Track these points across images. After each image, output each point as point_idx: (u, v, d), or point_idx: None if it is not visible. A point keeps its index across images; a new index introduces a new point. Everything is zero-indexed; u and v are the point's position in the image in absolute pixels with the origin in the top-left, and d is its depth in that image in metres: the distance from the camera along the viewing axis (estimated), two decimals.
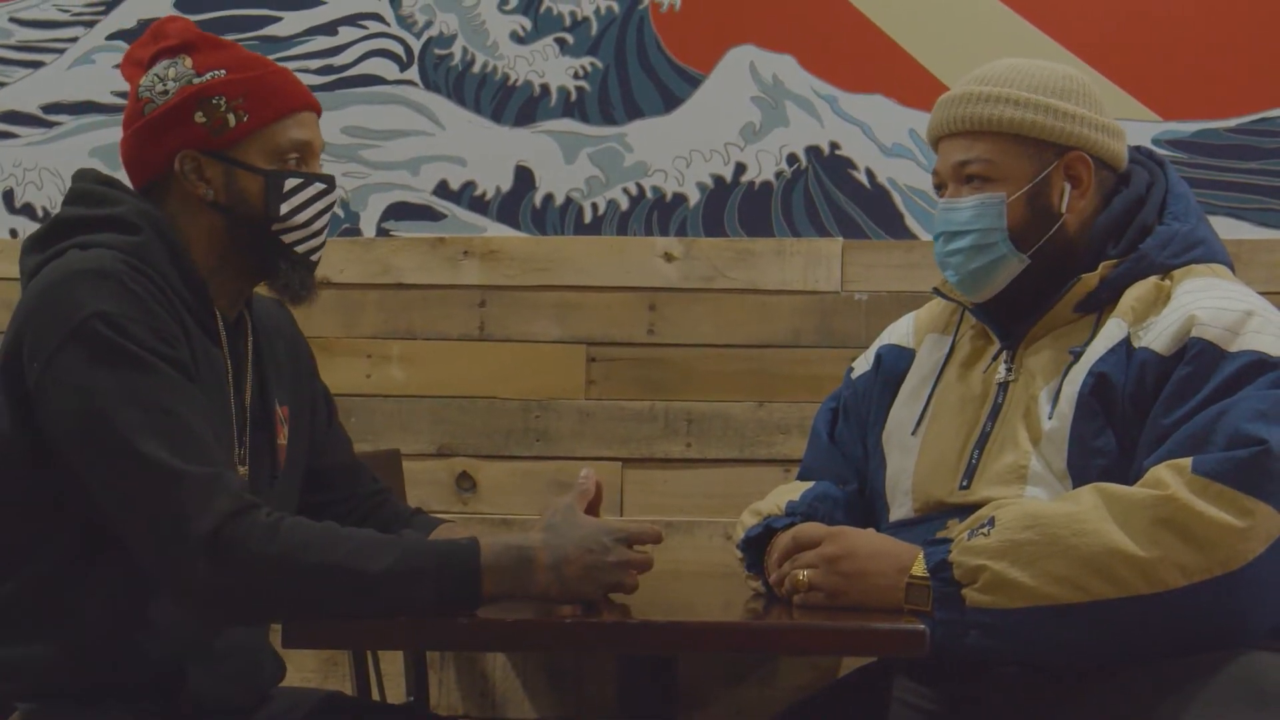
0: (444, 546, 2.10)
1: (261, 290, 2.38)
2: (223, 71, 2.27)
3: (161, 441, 2.06)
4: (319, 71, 3.29)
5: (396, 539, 2.10)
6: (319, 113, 2.36)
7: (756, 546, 2.41)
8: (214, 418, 2.18)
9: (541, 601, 2.13)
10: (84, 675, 2.16)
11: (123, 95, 2.74)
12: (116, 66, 2.50)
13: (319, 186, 2.31)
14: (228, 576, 2.03)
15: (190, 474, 2.05)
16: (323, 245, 2.34)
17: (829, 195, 3.21)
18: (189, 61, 2.28)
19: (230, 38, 3.12)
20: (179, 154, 2.26)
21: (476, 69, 3.28)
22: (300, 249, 2.30)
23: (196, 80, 2.27)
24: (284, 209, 2.28)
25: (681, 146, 3.24)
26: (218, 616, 2.16)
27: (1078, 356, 2.29)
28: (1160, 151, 2.56)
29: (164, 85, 2.27)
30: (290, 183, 2.28)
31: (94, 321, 2.10)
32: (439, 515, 2.85)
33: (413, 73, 3.29)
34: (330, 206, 2.33)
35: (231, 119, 2.26)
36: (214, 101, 2.26)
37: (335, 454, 2.51)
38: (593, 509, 2.20)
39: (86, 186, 2.29)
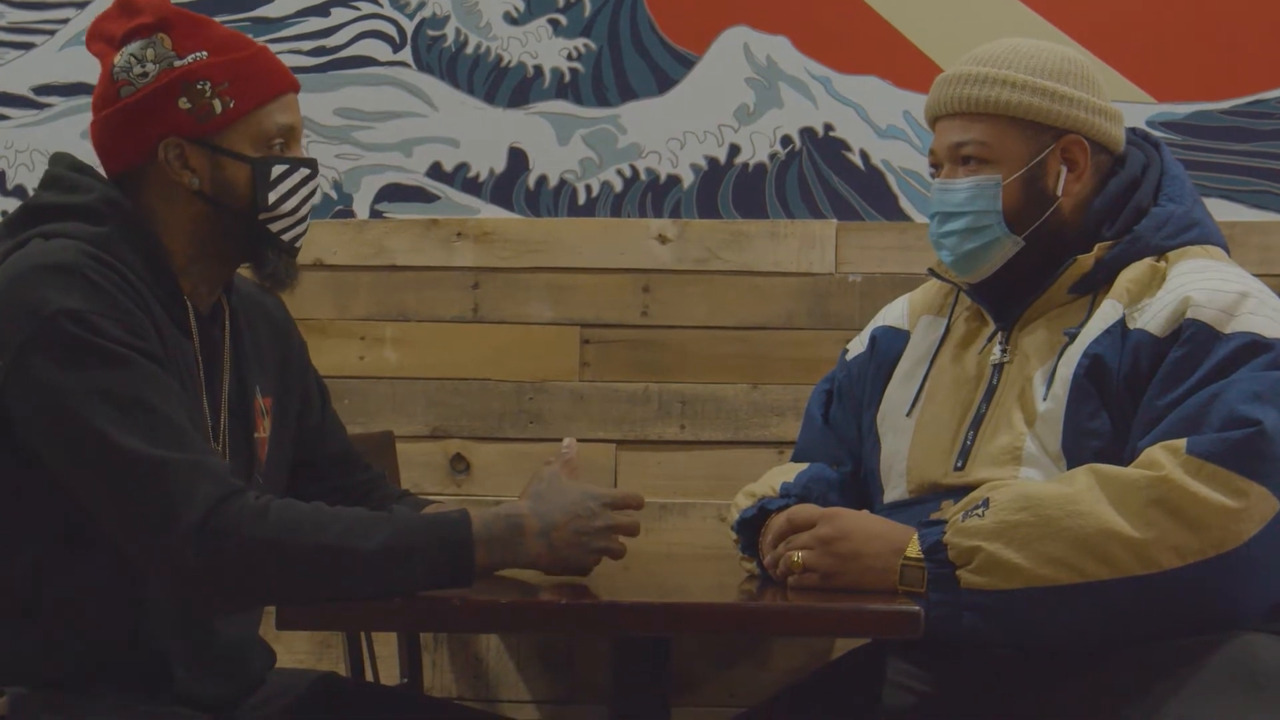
0: (435, 520, 2.10)
1: (247, 273, 2.33)
2: (204, 53, 2.20)
3: (139, 434, 2.03)
4: (311, 53, 3.28)
5: (387, 516, 2.10)
6: (299, 91, 2.29)
7: (751, 528, 2.41)
8: (189, 406, 2.15)
9: (532, 569, 2.14)
10: (71, 667, 2.14)
11: None
12: None
13: (304, 172, 2.25)
14: (220, 562, 2.02)
15: (173, 462, 2.03)
16: (306, 230, 2.29)
17: (823, 177, 3.21)
18: (167, 41, 2.20)
19: (222, 19, 3.11)
20: (163, 141, 2.20)
21: (469, 50, 3.27)
22: (286, 236, 2.25)
23: (178, 63, 2.19)
24: (272, 197, 2.22)
25: (675, 128, 3.23)
26: (212, 603, 2.14)
27: (1073, 338, 2.29)
28: (1155, 133, 2.56)
29: (143, 67, 2.20)
30: (277, 170, 2.22)
31: (59, 319, 2.05)
32: (432, 497, 2.86)
33: (405, 54, 3.28)
34: (315, 191, 2.28)
35: (218, 105, 2.19)
36: (199, 86, 2.19)
37: (329, 443, 2.49)
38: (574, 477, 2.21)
39: (59, 172, 2.24)
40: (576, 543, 2.12)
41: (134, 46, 2.22)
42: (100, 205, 2.18)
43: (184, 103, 2.19)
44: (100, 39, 2.26)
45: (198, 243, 2.23)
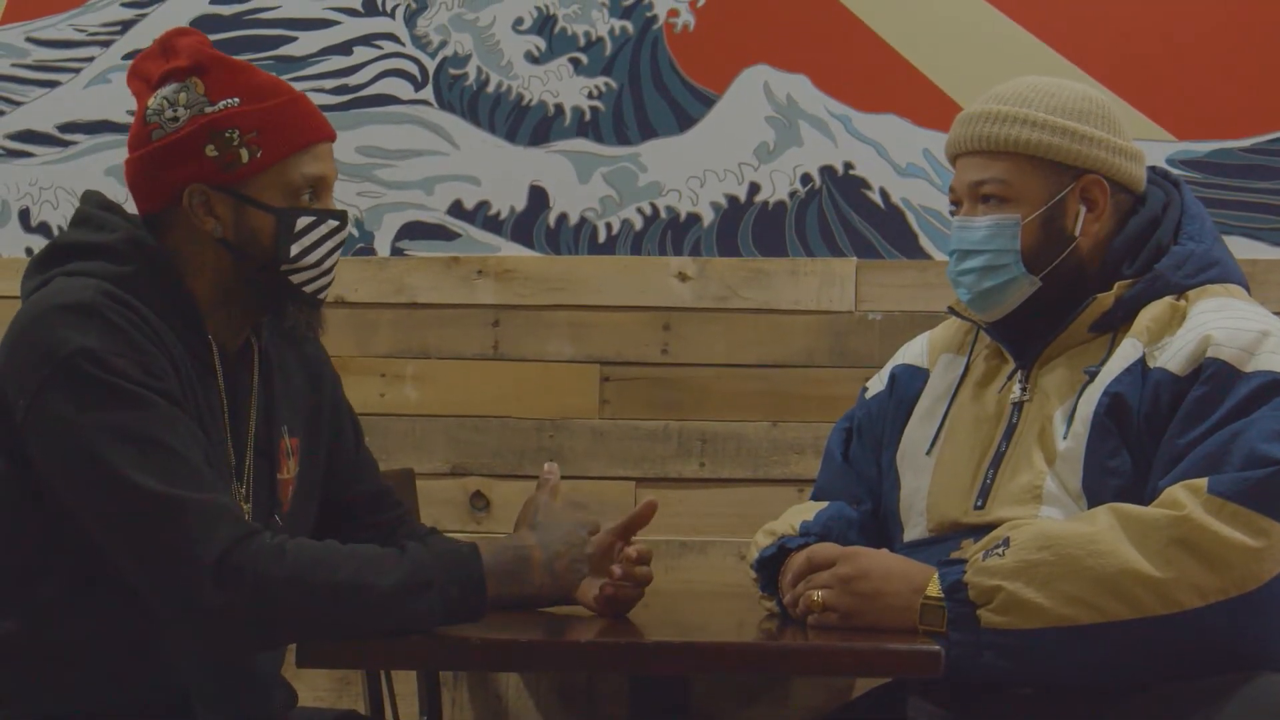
0: (446, 554, 2.11)
1: None
2: (236, 100, 2.18)
3: (156, 474, 2.03)
4: (334, 91, 3.30)
5: (399, 553, 2.09)
6: (334, 140, 2.27)
7: (771, 567, 2.40)
8: (207, 447, 2.14)
9: (535, 601, 2.18)
10: (90, 703, 2.14)
11: None
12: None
13: (331, 224, 2.23)
14: (237, 602, 2.02)
15: (190, 502, 2.03)
16: (331, 283, 2.27)
17: (843, 215, 3.21)
18: (201, 87, 2.19)
19: (246, 58, 3.12)
20: (188, 188, 2.19)
21: (491, 89, 3.28)
22: (309, 289, 2.24)
23: (209, 109, 2.18)
24: (295, 250, 2.20)
25: (695, 166, 3.24)
26: (229, 643, 2.14)
27: (1093, 376, 2.29)
28: (1175, 171, 2.56)
29: (174, 111, 2.19)
30: (302, 222, 2.20)
31: (77, 359, 2.06)
32: (453, 534, 2.85)
33: (427, 92, 3.29)
34: (341, 243, 2.26)
35: (244, 154, 2.17)
36: (227, 135, 2.17)
37: (361, 481, 2.47)
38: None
39: (88, 211, 2.25)
40: (573, 569, 2.19)
41: (168, 90, 2.21)
42: (124, 245, 2.19)
43: (211, 150, 2.18)
44: (138, 77, 2.26)
45: (221, 289, 2.23)
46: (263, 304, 2.25)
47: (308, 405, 2.39)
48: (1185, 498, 2.10)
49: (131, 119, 2.27)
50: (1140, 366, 2.26)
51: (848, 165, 3.22)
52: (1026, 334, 2.39)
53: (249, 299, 2.24)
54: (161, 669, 2.17)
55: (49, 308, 2.11)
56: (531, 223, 3.27)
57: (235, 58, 2.28)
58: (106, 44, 3.33)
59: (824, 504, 2.51)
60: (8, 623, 2.14)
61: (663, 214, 3.24)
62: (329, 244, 2.24)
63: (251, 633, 2.08)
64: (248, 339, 2.30)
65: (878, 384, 2.61)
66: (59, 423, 2.06)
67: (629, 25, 3.26)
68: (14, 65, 3.35)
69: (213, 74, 2.21)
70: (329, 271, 2.26)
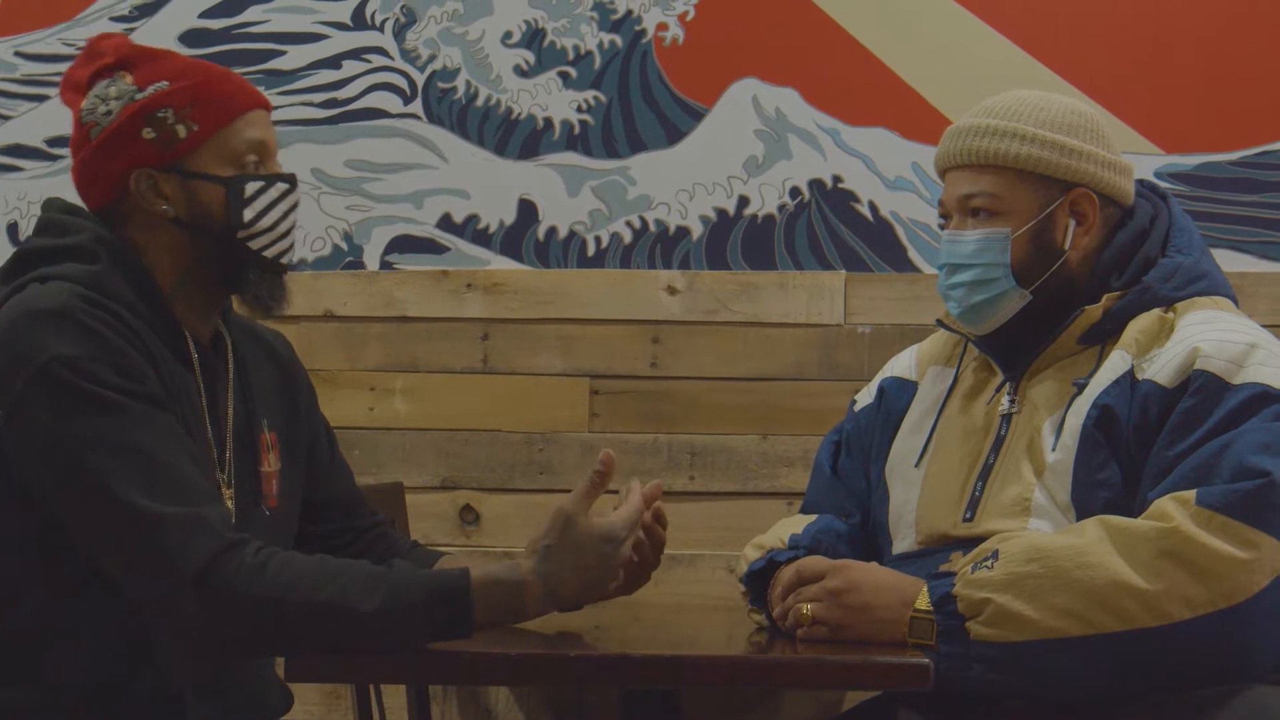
0: (434, 581, 2.07)
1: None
2: (165, 83, 2.20)
3: (137, 484, 2.03)
4: (323, 105, 3.30)
5: (386, 573, 2.06)
6: (270, 110, 2.28)
7: (759, 580, 2.40)
8: (191, 446, 2.14)
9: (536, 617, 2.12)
10: (85, 704, 2.14)
11: None
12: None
13: (282, 187, 2.24)
14: (217, 616, 2.02)
15: (169, 516, 2.02)
16: (292, 247, 2.27)
17: (832, 228, 3.22)
18: (129, 78, 2.21)
19: (235, 72, 3.13)
20: (132, 173, 2.20)
21: (480, 102, 3.29)
22: (269, 253, 2.23)
23: (139, 95, 2.20)
24: (248, 215, 2.21)
25: (684, 179, 3.25)
26: (214, 653, 2.15)
27: (1081, 389, 2.30)
28: (1163, 185, 2.57)
29: (106, 105, 2.20)
30: (251, 186, 2.21)
31: (54, 366, 2.05)
32: (442, 548, 2.85)
33: (416, 106, 3.30)
34: (295, 206, 2.26)
35: (181, 130, 2.19)
36: (160, 115, 2.19)
37: (336, 486, 2.47)
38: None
39: (50, 216, 2.25)
40: (586, 592, 2.10)
41: (98, 88, 2.23)
42: (91, 243, 2.18)
43: (148, 133, 2.19)
44: (69, 87, 2.28)
45: (181, 271, 2.22)
46: (225, 277, 2.24)
47: (282, 402, 2.38)
48: (1174, 510, 2.10)
49: None
50: (1129, 378, 2.26)
51: (836, 178, 3.22)
52: (1015, 346, 2.39)
53: (210, 277, 2.24)
54: (155, 669, 2.16)
55: (23, 314, 2.10)
56: (521, 236, 3.27)
57: (157, 48, 2.30)
58: None
59: (813, 517, 2.51)
60: (2, 625, 2.14)
61: (652, 227, 3.25)
62: (282, 206, 2.24)
63: (234, 645, 2.08)
64: (218, 330, 2.30)
65: (866, 397, 2.61)
66: (39, 431, 2.06)
67: (618, 39, 3.26)
68: (2, 79, 3.36)
69: (138, 64, 2.23)
70: (287, 234, 2.26)
